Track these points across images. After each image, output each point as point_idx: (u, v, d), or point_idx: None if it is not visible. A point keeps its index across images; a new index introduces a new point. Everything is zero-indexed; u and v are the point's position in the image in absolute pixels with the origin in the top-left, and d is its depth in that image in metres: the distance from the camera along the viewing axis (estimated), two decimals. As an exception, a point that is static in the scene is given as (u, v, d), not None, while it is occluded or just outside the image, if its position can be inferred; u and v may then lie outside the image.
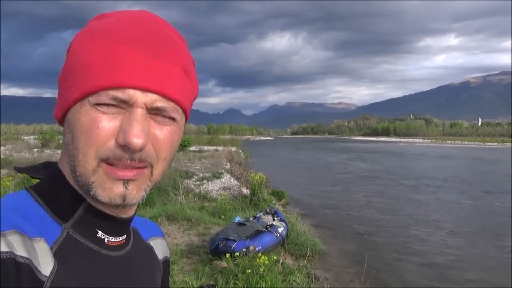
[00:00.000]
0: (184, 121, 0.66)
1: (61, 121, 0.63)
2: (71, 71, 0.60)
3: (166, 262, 0.84)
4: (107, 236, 0.65)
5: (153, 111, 0.58)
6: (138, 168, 0.58)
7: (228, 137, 61.04)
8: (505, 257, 8.58)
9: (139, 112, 0.56)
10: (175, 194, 10.04)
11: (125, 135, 0.55)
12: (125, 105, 0.56)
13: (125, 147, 0.56)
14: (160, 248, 0.83)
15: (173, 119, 0.61)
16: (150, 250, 0.80)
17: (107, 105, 0.56)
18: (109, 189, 0.58)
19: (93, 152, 0.56)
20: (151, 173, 0.61)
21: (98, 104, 0.56)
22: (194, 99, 0.68)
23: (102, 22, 0.61)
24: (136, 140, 0.55)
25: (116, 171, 0.57)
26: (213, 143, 39.54)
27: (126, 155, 0.56)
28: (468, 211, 13.80)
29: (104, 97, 0.56)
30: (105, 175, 0.57)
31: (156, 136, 0.59)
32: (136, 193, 0.59)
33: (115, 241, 0.66)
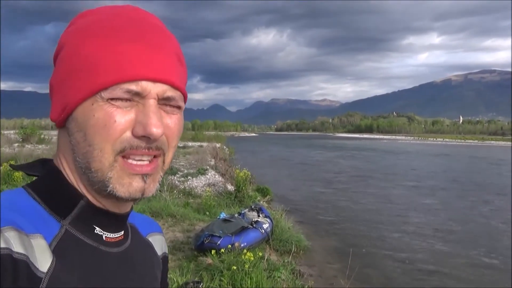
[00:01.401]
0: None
1: (61, 123, 0.63)
2: (71, 71, 0.60)
3: (165, 258, 0.85)
4: (104, 233, 0.65)
5: (162, 101, 0.61)
6: (154, 157, 0.61)
7: (212, 133, 60.81)
8: (490, 256, 8.76)
9: (153, 103, 0.59)
10: (160, 191, 9.96)
11: (144, 126, 0.57)
12: (137, 97, 0.58)
13: (143, 137, 0.58)
14: (159, 244, 0.83)
15: (179, 107, 0.64)
16: (149, 246, 0.80)
17: (121, 99, 0.58)
18: (128, 185, 0.59)
19: (110, 146, 0.58)
20: (163, 161, 0.63)
21: (112, 99, 0.57)
22: (186, 83, 0.70)
23: (93, 19, 0.62)
24: (156, 130, 0.57)
25: (133, 166, 0.59)
26: (197, 139, 39.38)
27: (143, 145, 0.59)
28: (453, 209, 14.03)
29: (118, 91, 0.57)
30: (122, 171, 0.59)
31: (168, 125, 0.61)
32: (153, 186, 0.62)
33: (113, 237, 0.67)
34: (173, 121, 0.63)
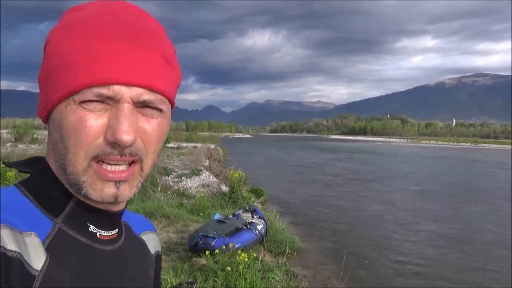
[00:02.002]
0: (170, 112, 0.65)
1: (46, 120, 0.62)
2: (52, 69, 0.58)
3: (158, 256, 0.84)
4: (98, 230, 0.65)
5: (140, 105, 0.58)
6: (129, 164, 0.59)
7: (207, 134, 60.68)
8: (486, 259, 8.81)
9: (126, 107, 0.56)
10: (154, 191, 9.94)
11: (114, 132, 0.55)
12: (111, 101, 0.56)
13: (114, 144, 0.56)
14: (152, 242, 0.82)
15: (160, 110, 0.60)
16: (143, 244, 0.79)
17: (93, 101, 0.55)
18: (100, 190, 0.58)
19: (83, 151, 0.56)
20: (141, 168, 0.61)
21: (84, 102, 0.55)
22: (178, 86, 0.67)
23: (78, 15, 0.59)
24: (126, 136, 0.55)
25: (106, 173, 0.57)
26: (191, 140, 39.27)
27: (115, 151, 0.56)
28: (446, 211, 14.11)
29: (88, 94, 0.55)
30: (96, 176, 0.58)
31: (145, 130, 0.59)
32: (128, 192, 0.60)
33: (107, 235, 0.66)
34: (152, 125, 0.60)
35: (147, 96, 0.57)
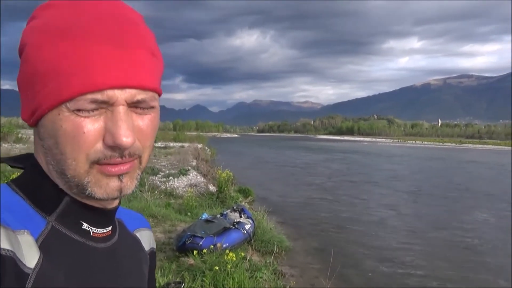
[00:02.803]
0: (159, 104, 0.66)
1: (33, 125, 0.61)
2: (36, 75, 0.56)
3: (153, 253, 0.84)
4: (92, 228, 0.65)
5: (133, 105, 0.58)
6: (129, 161, 0.59)
7: (194, 133, 60.40)
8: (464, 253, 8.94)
9: (122, 110, 0.56)
10: (141, 191, 9.87)
11: (113, 136, 0.55)
12: (105, 105, 0.55)
13: (114, 147, 0.56)
14: (146, 239, 0.82)
15: (152, 107, 0.61)
16: (137, 241, 0.79)
17: (87, 110, 0.55)
18: (105, 186, 0.58)
19: (83, 156, 0.56)
20: (140, 162, 0.62)
21: (78, 110, 0.55)
22: (162, 74, 0.67)
23: (54, 14, 0.57)
24: (126, 139, 0.55)
25: (109, 168, 0.58)
26: (179, 140, 39.05)
27: (116, 154, 0.57)
28: (434, 209, 14.27)
29: (83, 102, 0.54)
30: (100, 174, 0.58)
31: (140, 128, 0.59)
32: (130, 183, 0.60)
33: (100, 233, 0.66)
34: (146, 122, 0.60)
35: (140, 96, 0.58)
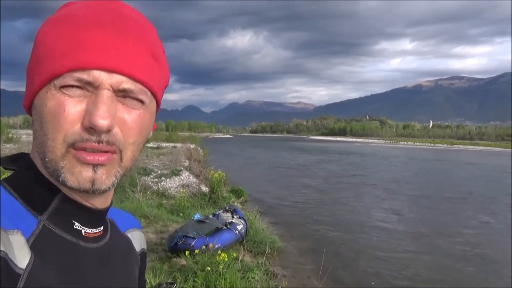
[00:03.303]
0: (154, 107, 0.65)
1: (29, 110, 0.62)
2: (38, 58, 0.59)
3: (144, 254, 0.85)
4: (84, 228, 0.64)
5: (120, 93, 0.58)
6: (107, 152, 0.57)
7: (187, 134, 60.25)
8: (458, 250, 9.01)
9: (105, 93, 0.56)
10: (133, 191, 9.84)
11: (90, 116, 0.54)
12: (91, 87, 0.56)
13: (91, 129, 0.55)
14: (137, 240, 0.83)
15: (142, 101, 0.60)
16: (128, 242, 0.79)
17: (73, 87, 0.55)
18: (78, 173, 0.57)
19: (61, 136, 0.56)
20: (121, 158, 0.60)
21: (64, 87, 0.55)
22: (165, 87, 0.68)
23: (68, 9, 0.60)
24: (102, 121, 0.54)
25: (84, 155, 0.56)
26: (171, 140, 38.93)
27: (93, 138, 0.55)
28: (424, 211, 14.36)
29: (68, 79, 0.55)
30: (75, 159, 0.56)
31: (124, 119, 0.58)
32: (105, 178, 0.58)
33: (92, 233, 0.66)
34: (132, 116, 0.59)
35: (127, 84, 0.57)
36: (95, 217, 0.66)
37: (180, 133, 58.32)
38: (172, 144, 32.08)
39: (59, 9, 0.63)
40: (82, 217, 0.64)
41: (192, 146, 30.35)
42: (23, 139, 22.66)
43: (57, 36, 0.57)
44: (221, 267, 5.02)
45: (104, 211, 0.68)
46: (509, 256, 8.62)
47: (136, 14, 0.62)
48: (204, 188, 12.41)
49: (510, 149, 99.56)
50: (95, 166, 0.57)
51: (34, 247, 0.56)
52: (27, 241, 0.56)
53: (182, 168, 15.88)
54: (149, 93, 0.61)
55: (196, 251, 5.72)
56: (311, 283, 6.28)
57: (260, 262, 6.55)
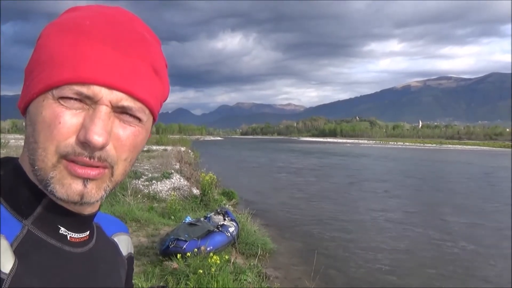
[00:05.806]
0: (151, 123, 0.64)
1: (24, 112, 0.61)
2: (37, 62, 0.58)
3: (131, 258, 0.84)
4: (69, 233, 0.63)
5: (119, 110, 0.57)
6: (98, 167, 0.57)
7: (177, 136, 60.02)
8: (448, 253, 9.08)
9: (104, 109, 0.55)
10: (123, 195, 9.77)
11: (86, 132, 0.54)
12: (89, 101, 0.55)
13: (85, 144, 0.54)
14: (124, 244, 0.82)
15: (139, 119, 0.59)
16: (114, 246, 0.78)
17: (71, 99, 0.55)
18: (67, 185, 0.56)
19: (53, 147, 0.55)
20: (112, 173, 0.59)
21: (62, 98, 0.55)
22: (164, 101, 0.67)
23: (73, 15, 0.59)
24: (97, 138, 0.53)
25: (76, 168, 0.55)
26: (162, 143, 38.84)
27: (85, 153, 0.55)
28: (414, 209, 14.47)
29: (67, 91, 0.54)
30: (66, 171, 0.56)
31: (118, 136, 0.58)
32: (95, 192, 0.58)
33: (78, 238, 0.65)
34: (127, 133, 0.58)
35: (127, 102, 0.57)
36: (82, 222, 0.65)
37: (171, 136, 58.10)
38: (163, 147, 31.96)
39: (66, 12, 0.62)
40: (68, 222, 0.63)
41: (183, 148, 30.28)
42: (11, 143, 22.38)
43: (60, 44, 0.56)
44: (213, 269, 5.01)
45: (91, 216, 0.68)
46: (510, 257, 8.73)
47: (143, 28, 0.62)
48: (195, 191, 12.37)
49: (500, 148, 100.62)
50: (85, 180, 0.56)
51: (18, 251, 0.55)
52: (11, 245, 0.55)
53: (173, 171, 15.83)
54: (147, 111, 0.60)
55: (188, 254, 5.70)
56: (303, 284, 6.29)
57: (252, 264, 6.54)
